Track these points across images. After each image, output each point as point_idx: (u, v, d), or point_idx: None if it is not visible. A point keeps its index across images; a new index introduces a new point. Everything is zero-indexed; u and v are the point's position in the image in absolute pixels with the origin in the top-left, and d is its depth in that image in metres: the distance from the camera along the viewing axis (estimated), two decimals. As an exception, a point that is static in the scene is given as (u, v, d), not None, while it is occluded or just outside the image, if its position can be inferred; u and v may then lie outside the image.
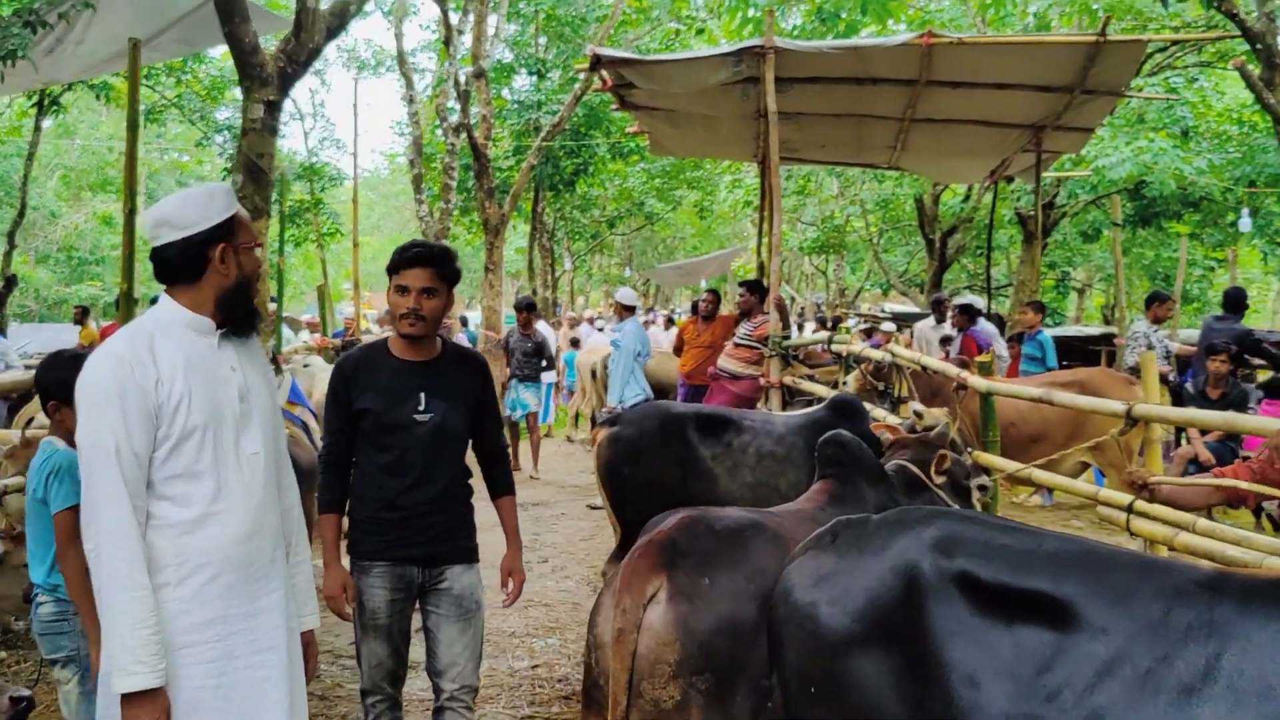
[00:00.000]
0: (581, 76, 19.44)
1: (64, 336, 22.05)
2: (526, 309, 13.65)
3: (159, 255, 3.07)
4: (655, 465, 6.16)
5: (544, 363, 13.58)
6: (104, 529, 2.84)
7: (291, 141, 32.99)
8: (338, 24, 8.17)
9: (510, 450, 11.05)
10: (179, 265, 3.07)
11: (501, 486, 4.39)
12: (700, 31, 21.19)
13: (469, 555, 4.23)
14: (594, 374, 15.92)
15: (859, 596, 2.74)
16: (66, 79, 15.05)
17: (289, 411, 8.69)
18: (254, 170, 7.89)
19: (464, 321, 20.35)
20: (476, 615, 4.22)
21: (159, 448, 2.92)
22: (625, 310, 12.67)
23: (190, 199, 3.09)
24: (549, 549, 9.68)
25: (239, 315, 3.12)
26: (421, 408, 4.07)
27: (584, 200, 30.67)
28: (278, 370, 9.16)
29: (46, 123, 19.25)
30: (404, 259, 4.09)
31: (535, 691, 6.24)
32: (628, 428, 6.38)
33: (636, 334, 12.07)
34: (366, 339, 15.52)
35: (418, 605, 4.20)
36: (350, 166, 29.60)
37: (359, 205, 16.99)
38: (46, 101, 17.82)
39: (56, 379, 4.10)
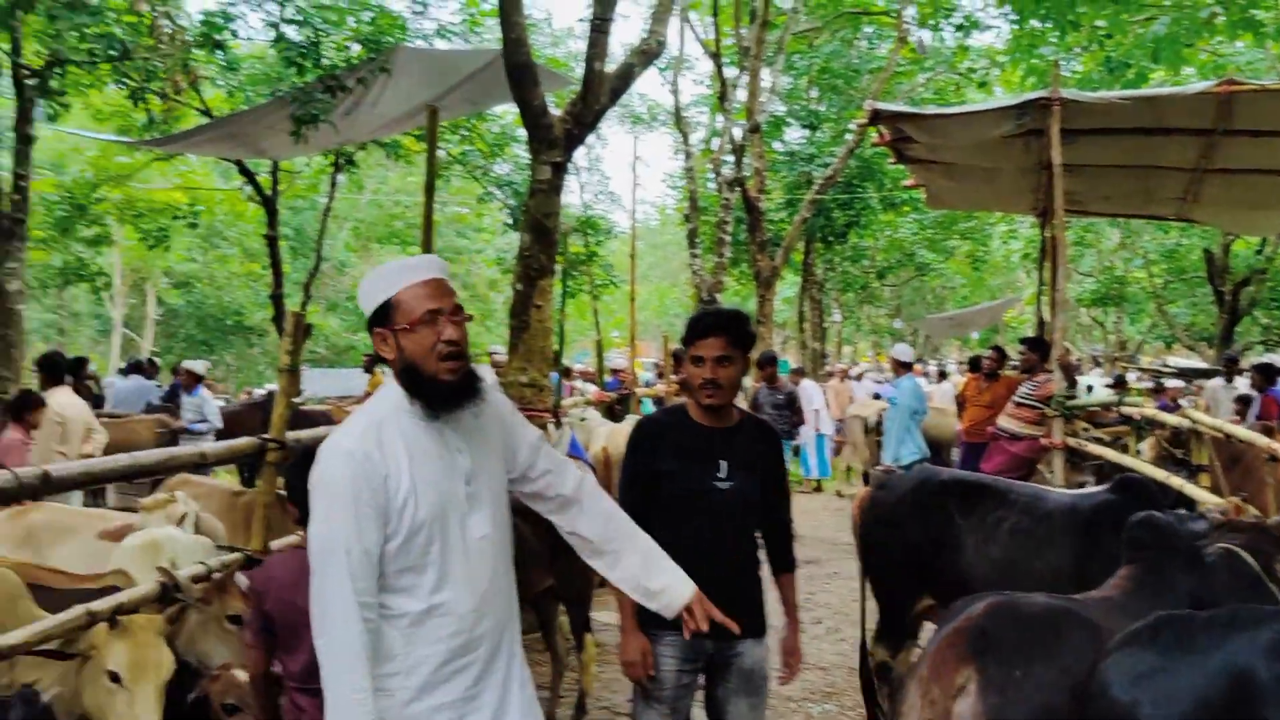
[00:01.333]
0: (855, 129, 19.32)
1: (352, 382, 23.17)
2: (768, 364, 13.38)
3: None
4: (909, 534, 5.84)
5: (792, 416, 13.22)
6: (331, 629, 2.86)
7: (567, 195, 33.92)
8: (622, 84, 8.34)
9: None
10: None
11: (785, 562, 4.28)
12: (982, 84, 20.80)
13: (761, 629, 4.09)
14: (866, 428, 15.69)
15: (1185, 698, 2.58)
16: (362, 139, 15.83)
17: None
18: (540, 230, 8.10)
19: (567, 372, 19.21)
20: (764, 689, 4.11)
21: (389, 542, 2.91)
22: (902, 367, 12.46)
23: (365, 281, 3.09)
24: (822, 609, 9.54)
25: (424, 398, 3.01)
26: (722, 475, 3.98)
27: (855, 251, 30.43)
28: (557, 423, 9.33)
29: (340, 179, 20.28)
30: (697, 329, 4.00)
31: (815, 759, 6.15)
32: (886, 492, 6.13)
33: (913, 391, 11.85)
34: (640, 391, 15.77)
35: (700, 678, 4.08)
36: (623, 219, 30.26)
37: (628, 256, 17.30)
38: (341, 160, 18.78)
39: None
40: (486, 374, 3.25)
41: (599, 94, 8.06)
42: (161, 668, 3.74)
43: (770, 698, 6.93)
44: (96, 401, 15.25)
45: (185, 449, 4.68)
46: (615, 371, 17.17)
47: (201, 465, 4.87)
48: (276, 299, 18.54)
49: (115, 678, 3.67)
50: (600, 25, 8.20)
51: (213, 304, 37.02)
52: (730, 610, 3.83)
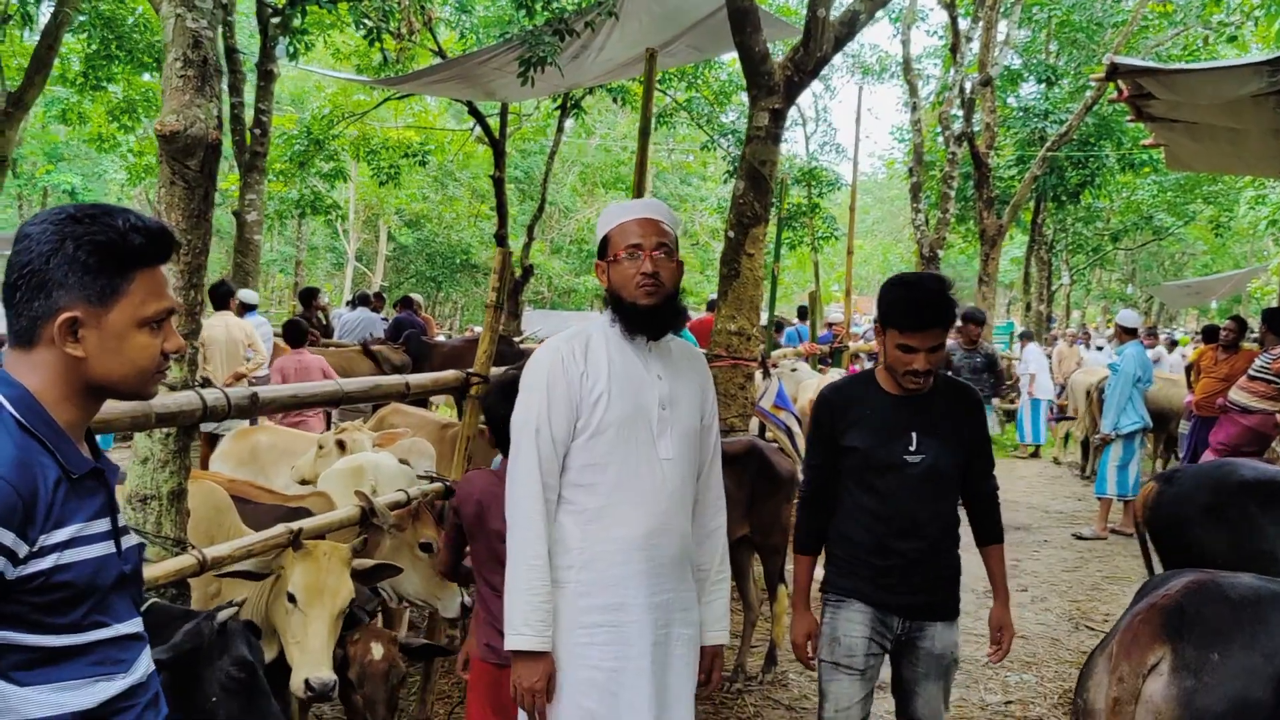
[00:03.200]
0: (1094, 85, 18.56)
1: (572, 323, 23.49)
2: (973, 323, 11.85)
3: None
4: (1206, 542, 5.06)
5: (993, 380, 11.75)
6: (516, 501, 3.17)
7: (792, 146, 33.62)
8: (846, 32, 8.12)
9: None
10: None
11: (991, 533, 4.01)
12: (1232, 39, 19.69)
13: (953, 611, 3.89)
14: (1089, 395, 15.15)
15: None
16: (588, 83, 15.93)
17: (774, 415, 8.77)
18: (756, 177, 7.99)
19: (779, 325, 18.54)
20: (952, 673, 3.93)
21: (578, 436, 3.17)
22: (1126, 333, 11.93)
23: (599, 221, 3.38)
24: (1029, 577, 9.29)
25: (624, 320, 3.25)
26: (913, 447, 3.74)
27: (1088, 212, 29.30)
28: (765, 374, 9.27)
29: (569, 124, 20.49)
30: (915, 319, 3.65)
31: (1006, 729, 6.00)
32: (1176, 487, 5.41)
33: (1138, 358, 11.34)
34: (854, 346, 15.55)
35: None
36: (849, 171, 29.76)
37: (855, 210, 17.01)
38: (569, 104, 18.97)
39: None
40: None
41: (821, 41, 7.88)
42: (338, 595, 3.82)
43: (968, 663, 6.88)
44: (325, 330, 15.87)
45: (390, 379, 4.80)
46: (830, 325, 16.97)
47: (404, 396, 4.97)
48: (500, 239, 18.90)
49: (292, 599, 3.78)
50: (827, -30, 8.01)
51: (441, 242, 37.99)
52: (924, 590, 3.81)
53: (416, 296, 19.11)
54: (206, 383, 4.15)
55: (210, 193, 3.82)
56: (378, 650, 4.10)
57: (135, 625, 2.09)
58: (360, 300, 17.44)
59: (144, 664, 2.10)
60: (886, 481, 3.76)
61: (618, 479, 3.17)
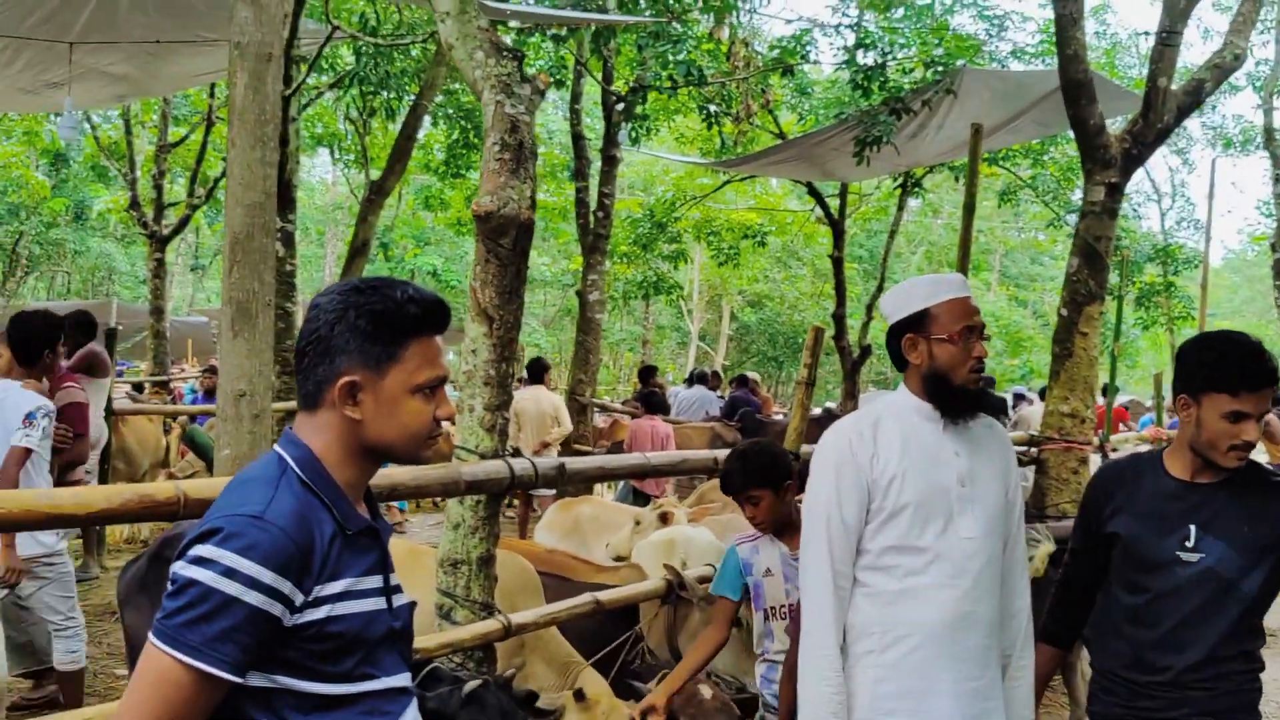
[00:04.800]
0: None
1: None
2: None
3: (886, 343, 3.25)
4: None
5: None
6: (808, 590, 3.13)
7: (1146, 222, 32.12)
8: (1190, 102, 7.75)
9: None
10: (891, 351, 3.23)
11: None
12: None
13: None
14: None
15: None
16: (927, 162, 15.80)
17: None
18: (1090, 253, 7.70)
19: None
20: None
21: (872, 520, 3.07)
22: None
23: (897, 291, 3.24)
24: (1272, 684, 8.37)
25: (943, 403, 3.13)
26: (1190, 543, 3.17)
27: None
28: (1104, 458, 8.83)
29: (913, 203, 20.35)
30: (1247, 378, 3.10)
31: None
32: None
33: None
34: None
35: None
36: (1212, 249, 28.21)
37: (1219, 288, 16.02)
38: (910, 183, 18.85)
39: None
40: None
41: (1162, 111, 7.55)
42: None
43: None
44: (662, 407, 16.22)
45: (698, 453, 4.86)
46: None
47: (712, 471, 5.01)
48: (839, 318, 18.85)
49: None
50: (1168, 38, 7.67)
51: (783, 321, 38.22)
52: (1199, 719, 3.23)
53: (753, 375, 19.28)
54: (516, 452, 4.31)
55: (522, 270, 3.98)
56: (706, 692, 4.11)
57: (403, 680, 2.18)
58: (698, 379, 17.70)
59: (409, 717, 2.18)
60: (1152, 581, 3.24)
61: (919, 564, 3.05)
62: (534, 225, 3.98)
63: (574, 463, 4.23)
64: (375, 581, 2.12)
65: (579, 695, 3.93)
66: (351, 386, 2.06)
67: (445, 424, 2.18)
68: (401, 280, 2.16)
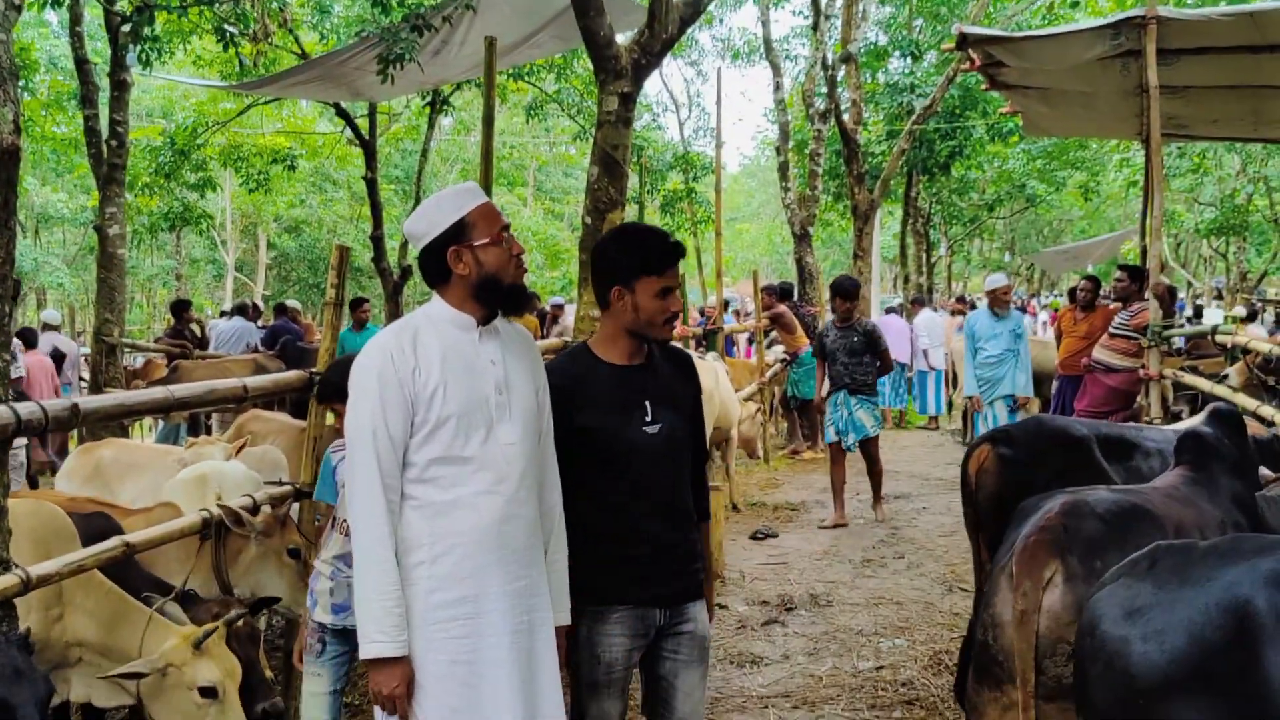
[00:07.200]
0: (954, 56, 18.85)
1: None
2: (847, 295, 10.37)
3: (419, 264, 3.29)
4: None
5: (876, 362, 10.28)
6: (357, 506, 3.11)
7: (668, 132, 33.68)
8: (691, 14, 8.15)
9: (837, 488, 10.24)
10: (427, 270, 3.28)
11: (703, 511, 3.76)
12: (1075, 4, 20.07)
13: (702, 589, 3.66)
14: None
15: (1179, 635, 2.43)
16: (452, 79, 15.80)
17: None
18: (609, 162, 7.99)
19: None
20: (708, 656, 3.71)
21: (416, 433, 3.11)
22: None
23: (421, 212, 3.28)
24: (906, 544, 9.39)
25: (498, 306, 3.25)
26: (649, 418, 3.48)
27: (961, 184, 29.69)
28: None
29: (446, 121, 20.32)
30: (663, 256, 3.46)
31: (877, 694, 6.02)
32: (1017, 449, 5.10)
33: (967, 325, 11.55)
34: (728, 328, 15.64)
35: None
36: (726, 155, 29.90)
37: (737, 193, 17.00)
38: (439, 101, 18.85)
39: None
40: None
41: (666, 23, 7.91)
42: (237, 673, 3.93)
43: (841, 631, 6.97)
44: (200, 343, 15.62)
45: (226, 382, 4.69)
46: (702, 310, 17.08)
47: (243, 399, 4.89)
48: (376, 240, 18.69)
49: (212, 692, 3.82)
50: (667, -49, 8.03)
51: (323, 247, 37.40)
52: (683, 573, 3.59)
53: (293, 303, 18.84)
54: (22, 396, 4.05)
55: (10, 200, 3.70)
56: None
57: None
58: (236, 310, 17.13)
59: None
60: (629, 460, 3.48)
61: (463, 473, 3.13)
62: (20, 152, 3.71)
63: (89, 402, 3.98)
64: None
65: (198, 644, 3.85)
66: None
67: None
68: None
